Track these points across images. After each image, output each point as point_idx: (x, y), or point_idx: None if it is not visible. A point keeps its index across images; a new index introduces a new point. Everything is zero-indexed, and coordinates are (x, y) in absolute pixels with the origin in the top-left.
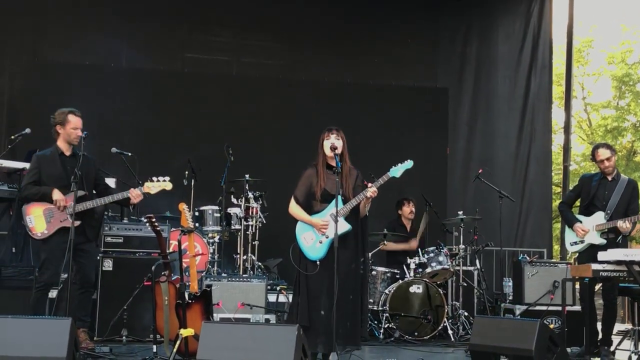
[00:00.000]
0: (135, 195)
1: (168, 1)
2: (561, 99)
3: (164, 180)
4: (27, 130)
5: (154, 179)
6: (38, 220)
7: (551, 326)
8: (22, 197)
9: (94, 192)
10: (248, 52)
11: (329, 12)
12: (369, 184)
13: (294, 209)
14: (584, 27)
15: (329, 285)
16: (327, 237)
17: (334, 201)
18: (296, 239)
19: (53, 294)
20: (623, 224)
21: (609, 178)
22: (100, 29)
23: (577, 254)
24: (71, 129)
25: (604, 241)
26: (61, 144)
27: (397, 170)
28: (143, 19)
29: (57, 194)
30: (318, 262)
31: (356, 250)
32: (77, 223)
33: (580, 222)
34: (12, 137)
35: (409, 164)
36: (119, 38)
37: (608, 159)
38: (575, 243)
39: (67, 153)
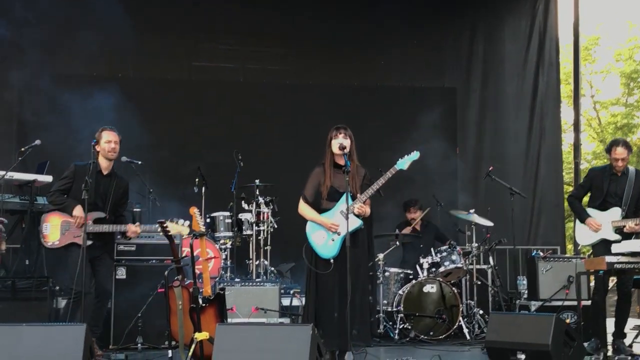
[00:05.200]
0: (132, 231)
1: (174, 11)
2: (570, 98)
3: (182, 224)
4: (37, 142)
5: (174, 219)
6: (53, 229)
7: (567, 321)
8: (48, 202)
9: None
10: (254, 59)
11: (334, 15)
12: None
13: (303, 208)
14: (590, 25)
15: (340, 284)
16: (339, 234)
17: (342, 198)
18: (307, 239)
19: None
20: (633, 225)
21: (619, 174)
22: (106, 40)
23: (592, 249)
24: (104, 142)
25: (619, 237)
26: (101, 161)
27: (404, 163)
28: (149, 29)
29: (77, 210)
30: (332, 260)
31: (366, 248)
32: (89, 243)
33: (591, 216)
34: (23, 149)
35: (415, 155)
36: (126, 49)
37: (623, 159)
38: (585, 237)
39: (105, 172)
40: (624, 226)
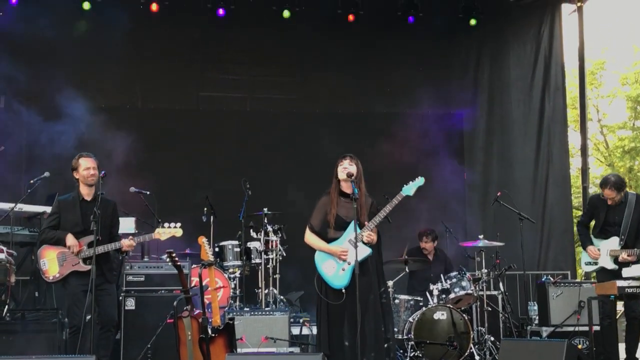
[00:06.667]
0: (126, 245)
1: (180, 41)
2: (576, 122)
3: (175, 227)
4: (46, 174)
5: (165, 225)
6: (51, 263)
7: (579, 347)
8: (40, 241)
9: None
10: (261, 88)
11: (339, 43)
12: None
13: (310, 237)
14: (595, 49)
15: (351, 313)
16: (349, 264)
17: (350, 227)
18: (317, 269)
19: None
20: (626, 256)
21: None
22: (114, 71)
23: (596, 274)
24: (83, 170)
25: (616, 267)
26: (82, 189)
27: (409, 189)
28: (156, 60)
29: (70, 240)
30: (344, 290)
31: (375, 276)
32: (87, 268)
33: (593, 244)
34: (31, 181)
35: (420, 180)
36: (133, 79)
37: (613, 199)
38: (589, 263)
39: (88, 198)
40: (619, 256)
